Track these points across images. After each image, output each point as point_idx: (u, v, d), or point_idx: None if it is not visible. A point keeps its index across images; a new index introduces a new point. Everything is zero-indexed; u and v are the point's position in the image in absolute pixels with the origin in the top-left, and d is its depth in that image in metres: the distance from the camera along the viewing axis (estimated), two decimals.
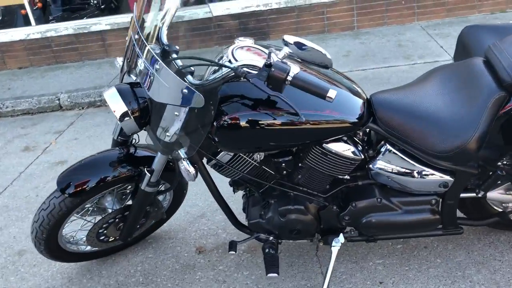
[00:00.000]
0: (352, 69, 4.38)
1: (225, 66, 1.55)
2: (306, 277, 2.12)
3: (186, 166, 1.71)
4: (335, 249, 1.94)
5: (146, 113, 1.77)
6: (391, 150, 1.83)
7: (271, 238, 2.00)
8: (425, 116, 1.76)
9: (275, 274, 1.89)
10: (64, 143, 3.75)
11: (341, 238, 1.94)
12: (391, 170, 1.85)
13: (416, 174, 1.82)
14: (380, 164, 1.85)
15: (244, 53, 1.73)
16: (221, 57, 1.76)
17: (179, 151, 1.76)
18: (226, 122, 1.68)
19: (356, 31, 5.39)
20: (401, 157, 1.82)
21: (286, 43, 1.59)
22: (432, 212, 1.89)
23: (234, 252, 2.00)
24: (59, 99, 4.41)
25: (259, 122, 1.68)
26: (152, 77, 1.57)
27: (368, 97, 1.86)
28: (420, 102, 1.81)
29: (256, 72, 1.51)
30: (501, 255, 2.07)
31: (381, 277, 2.05)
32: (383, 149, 1.84)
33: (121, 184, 2.04)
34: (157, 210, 2.16)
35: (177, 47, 1.76)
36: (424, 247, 2.17)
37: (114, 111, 1.70)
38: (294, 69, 1.42)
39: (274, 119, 1.67)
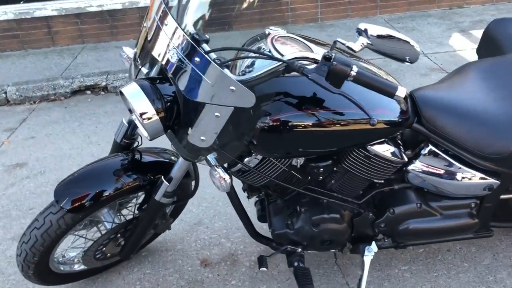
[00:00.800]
0: None
1: (278, 59, 1.34)
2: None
3: (221, 174, 1.47)
4: (367, 259, 1.79)
5: (171, 113, 1.50)
6: (434, 152, 1.70)
7: (299, 250, 1.82)
8: (473, 115, 1.65)
9: None
10: (19, 142, 3.32)
11: (373, 246, 1.80)
12: (432, 173, 1.72)
13: (460, 177, 1.71)
14: (420, 166, 1.72)
15: (286, 45, 1.52)
16: (259, 48, 1.54)
17: (207, 157, 1.53)
18: (270, 124, 1.47)
19: (320, 23, 5.29)
20: (445, 159, 1.69)
21: (361, 32, 1.39)
22: (471, 216, 1.79)
23: (266, 269, 1.79)
24: (5, 93, 3.91)
25: (310, 123, 1.48)
26: (188, 72, 1.32)
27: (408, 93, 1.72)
28: (465, 100, 1.69)
29: (312, 66, 1.31)
30: None
31: (410, 285, 1.93)
32: (424, 151, 1.71)
33: (127, 195, 1.76)
34: (165, 222, 1.91)
35: (207, 36, 1.51)
36: (447, 251, 2.08)
37: (137, 111, 1.42)
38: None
39: (328, 119, 1.48)
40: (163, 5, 1.40)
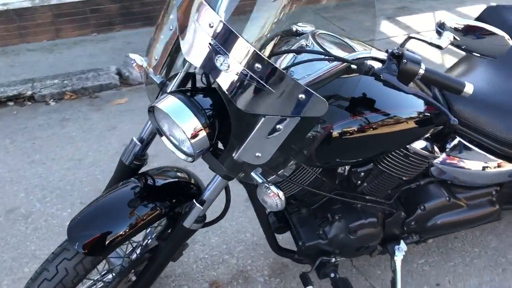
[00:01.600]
0: None
1: (345, 61, 1.21)
2: None
3: (274, 191, 1.30)
4: (399, 259, 1.74)
5: (213, 128, 1.29)
6: (462, 143, 1.68)
7: (333, 259, 1.71)
8: (497, 103, 1.65)
9: None
10: None
11: (403, 245, 1.75)
12: (459, 165, 1.70)
13: (487, 166, 1.71)
14: (447, 159, 1.69)
15: (330, 44, 1.39)
16: (302, 46, 1.39)
17: (252, 173, 1.35)
18: (324, 132, 1.33)
19: None
20: (474, 150, 1.68)
21: (443, 26, 1.28)
22: (492, 204, 1.81)
23: (312, 287, 1.65)
24: None
25: (365, 127, 1.37)
26: (245, 81, 1.13)
27: None
28: (485, 88, 1.69)
29: (378, 65, 1.21)
30: None
31: (433, 278, 1.92)
32: (452, 143, 1.68)
33: (148, 227, 1.51)
34: (182, 249, 1.68)
35: None
36: (455, 238, 2.11)
37: (184, 128, 1.20)
38: None
39: (382, 122, 1.38)
40: (207, 6, 1.18)
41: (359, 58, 1.21)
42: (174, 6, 1.35)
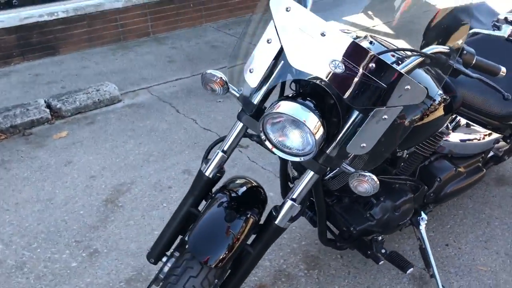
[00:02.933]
0: (193, 73, 4.25)
1: (427, 55, 1.44)
2: (386, 268, 2.10)
3: (371, 176, 1.45)
4: (423, 228, 2.02)
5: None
6: (460, 120, 2.03)
7: (380, 238, 1.92)
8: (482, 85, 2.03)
9: (412, 268, 1.86)
10: None
11: (424, 216, 2.03)
12: (459, 139, 2.05)
13: (481, 137, 2.08)
14: (451, 135, 2.02)
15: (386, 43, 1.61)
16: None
17: (343, 165, 1.50)
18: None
19: (153, 37, 5.16)
20: (470, 125, 2.04)
21: (497, 21, 1.55)
22: (481, 169, 2.19)
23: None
24: None
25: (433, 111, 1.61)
26: (356, 79, 1.30)
27: None
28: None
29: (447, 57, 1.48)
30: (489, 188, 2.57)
31: (441, 241, 2.24)
32: (454, 121, 2.02)
33: None
34: None
35: None
36: (440, 205, 2.46)
37: (311, 127, 1.30)
38: None
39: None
40: (315, 16, 1.32)
41: (435, 52, 1.44)
42: (266, 21, 1.44)
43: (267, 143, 1.42)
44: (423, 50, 1.45)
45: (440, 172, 2.02)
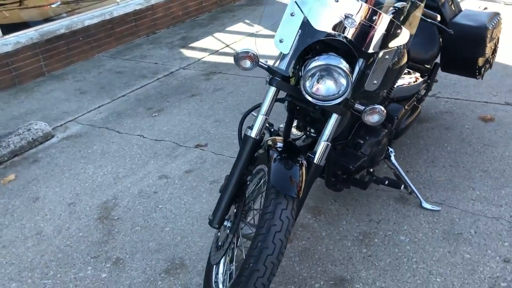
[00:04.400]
0: (113, 98, 4.34)
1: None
2: (374, 198, 2.56)
3: (381, 108, 1.85)
4: (393, 158, 2.53)
5: None
6: None
7: (371, 170, 2.37)
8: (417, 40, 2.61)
9: (403, 185, 2.35)
10: None
11: (391, 149, 2.55)
12: (401, 84, 2.60)
13: (413, 81, 2.67)
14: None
15: None
16: None
17: (356, 105, 1.91)
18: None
19: (49, 75, 5.08)
20: (411, 73, 2.61)
21: None
22: (417, 106, 2.78)
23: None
24: None
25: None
26: (366, 31, 1.74)
27: None
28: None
29: None
30: (415, 127, 3.18)
31: (403, 169, 2.78)
32: None
33: None
34: None
35: None
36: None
37: (344, 69, 1.69)
38: None
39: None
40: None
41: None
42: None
43: (308, 97, 1.75)
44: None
45: (396, 112, 2.54)
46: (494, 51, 2.90)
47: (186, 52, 5.34)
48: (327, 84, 1.75)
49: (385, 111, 1.86)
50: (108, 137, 3.60)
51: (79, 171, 3.17)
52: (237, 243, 1.93)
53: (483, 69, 2.86)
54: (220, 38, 5.69)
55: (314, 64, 1.70)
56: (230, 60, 4.95)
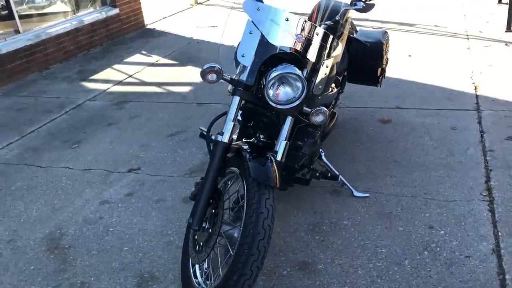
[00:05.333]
0: (22, 134, 4.19)
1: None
2: (312, 196, 2.89)
3: (325, 110, 2.18)
4: (324, 158, 2.89)
5: None
6: None
7: (312, 166, 2.69)
8: None
9: (340, 176, 2.70)
10: None
11: (321, 149, 2.91)
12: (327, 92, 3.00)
13: (332, 90, 3.07)
14: None
15: None
16: None
17: (304, 107, 2.23)
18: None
19: None
20: None
21: None
22: (335, 112, 3.19)
23: None
24: None
25: None
26: (311, 43, 2.09)
27: None
28: None
29: None
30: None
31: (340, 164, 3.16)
32: None
33: None
34: None
35: None
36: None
37: (300, 75, 1.99)
38: None
39: None
40: (275, 8, 2.02)
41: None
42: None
43: (271, 103, 2.02)
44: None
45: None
46: (386, 63, 3.44)
47: (88, 85, 5.30)
48: (285, 90, 2.03)
49: (327, 112, 2.20)
50: (30, 173, 3.47)
51: (7, 208, 3.04)
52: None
53: (380, 78, 3.38)
54: (120, 69, 5.73)
55: (275, 73, 1.98)
56: (138, 89, 5.05)
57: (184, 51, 6.27)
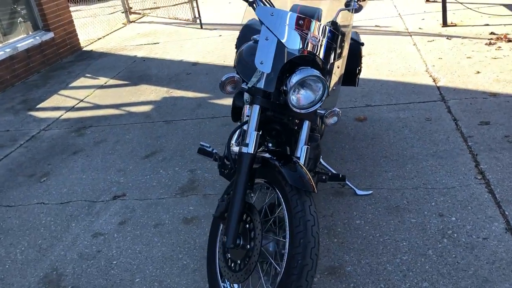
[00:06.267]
0: None
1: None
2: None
3: (338, 111, 2.16)
4: (322, 160, 2.90)
5: None
6: None
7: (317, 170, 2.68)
8: None
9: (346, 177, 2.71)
10: None
11: None
12: None
13: None
14: None
15: None
16: None
17: (318, 110, 2.21)
18: None
19: None
20: None
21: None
22: None
23: None
24: None
25: None
26: (324, 45, 2.09)
27: None
28: None
29: None
30: None
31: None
32: None
33: None
34: None
35: None
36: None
37: (323, 79, 1.96)
38: None
39: None
40: (289, 13, 1.99)
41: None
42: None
43: (294, 109, 1.98)
44: None
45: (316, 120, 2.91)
46: (361, 62, 3.52)
47: (38, 114, 4.96)
48: (306, 94, 2.00)
49: (340, 113, 2.20)
50: (0, 214, 3.17)
51: None
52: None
53: (357, 78, 3.45)
54: (68, 95, 5.43)
55: (297, 78, 1.94)
56: (95, 113, 4.81)
57: (131, 70, 6.06)
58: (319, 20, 2.43)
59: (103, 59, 6.78)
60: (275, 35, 1.97)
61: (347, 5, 2.40)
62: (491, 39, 5.17)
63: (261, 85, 2.01)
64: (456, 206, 2.59)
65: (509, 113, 3.52)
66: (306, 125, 2.14)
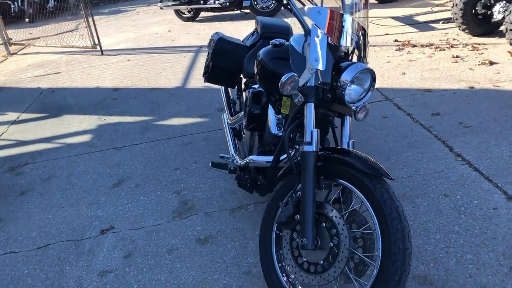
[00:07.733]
0: None
1: None
2: None
3: (368, 106, 2.25)
4: None
5: None
6: None
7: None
8: None
9: None
10: None
11: None
12: None
13: None
14: None
15: None
16: None
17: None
18: None
19: None
20: None
21: None
22: None
23: None
24: None
25: None
26: (361, 41, 2.18)
27: None
28: None
29: None
30: None
31: None
32: None
33: None
34: None
35: None
36: None
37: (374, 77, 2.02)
38: None
39: None
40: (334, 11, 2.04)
41: None
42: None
43: (349, 104, 2.01)
44: None
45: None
46: None
47: None
48: (355, 88, 2.05)
49: (369, 108, 2.29)
50: None
51: None
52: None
53: None
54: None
55: (352, 74, 1.97)
56: (22, 149, 4.29)
57: (43, 102, 5.51)
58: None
59: (0, 94, 6.06)
60: (325, 34, 2.00)
61: None
62: (398, 45, 5.74)
63: (312, 83, 2.02)
64: (454, 186, 2.83)
65: (450, 104, 3.94)
66: (348, 120, 2.18)
